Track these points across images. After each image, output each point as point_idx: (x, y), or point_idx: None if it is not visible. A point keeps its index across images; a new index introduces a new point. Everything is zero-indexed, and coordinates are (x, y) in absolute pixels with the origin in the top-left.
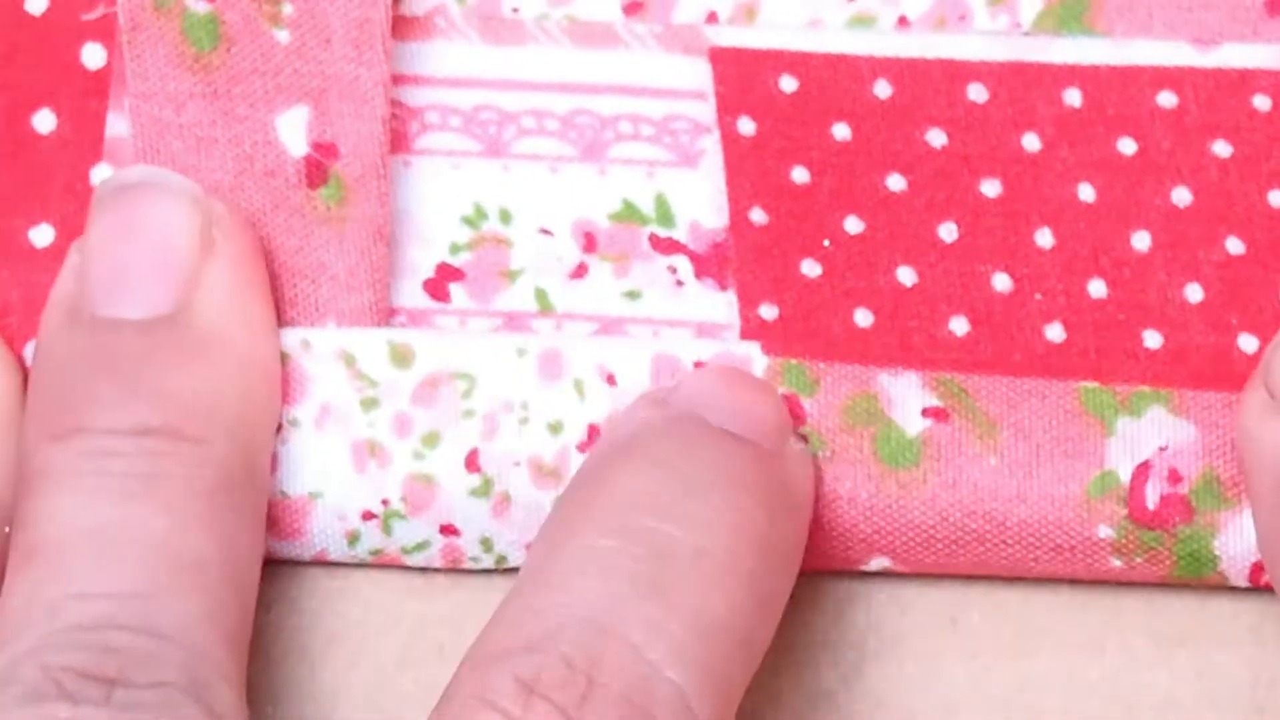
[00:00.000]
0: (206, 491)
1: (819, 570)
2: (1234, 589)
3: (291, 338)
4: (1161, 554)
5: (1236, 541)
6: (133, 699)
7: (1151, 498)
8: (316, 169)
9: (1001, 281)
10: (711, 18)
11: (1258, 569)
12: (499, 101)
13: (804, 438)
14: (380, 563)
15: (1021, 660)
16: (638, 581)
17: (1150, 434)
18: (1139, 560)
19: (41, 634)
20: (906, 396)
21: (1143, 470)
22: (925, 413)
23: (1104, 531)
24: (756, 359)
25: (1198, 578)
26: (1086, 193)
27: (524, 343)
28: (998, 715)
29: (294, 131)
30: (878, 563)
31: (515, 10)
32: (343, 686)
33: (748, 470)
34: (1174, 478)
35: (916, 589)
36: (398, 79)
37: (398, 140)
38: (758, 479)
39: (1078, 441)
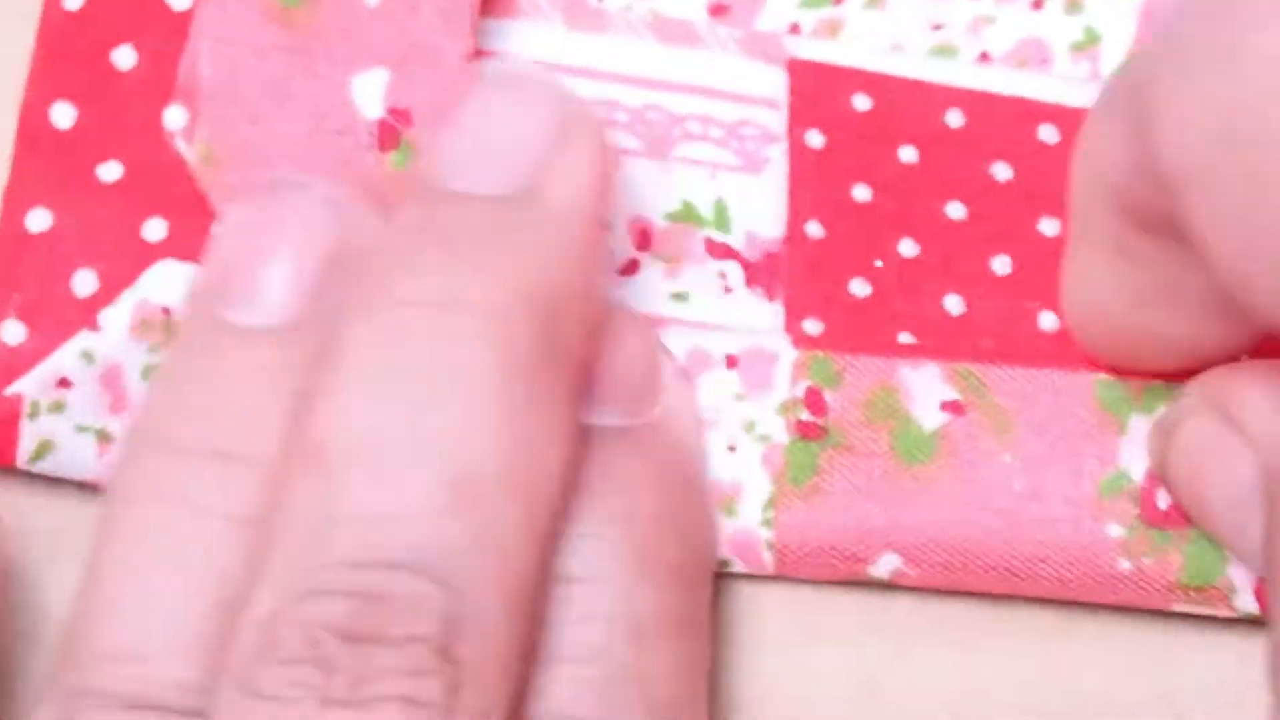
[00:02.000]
0: (508, 380)
1: (825, 580)
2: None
3: None
4: (1170, 555)
5: None
6: (368, 692)
7: (1162, 501)
8: (389, 133)
9: (1048, 320)
10: (794, 29)
11: (1263, 584)
12: (573, 87)
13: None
14: None
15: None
16: None
17: None
18: (1148, 562)
19: (311, 568)
20: (928, 389)
21: (1154, 474)
22: (943, 406)
23: (1115, 530)
24: (785, 352)
25: (1205, 585)
26: None
27: None
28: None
29: (371, 94)
30: (887, 561)
31: None
32: None
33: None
34: None
35: None
36: (477, 53)
37: None
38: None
39: (1092, 440)
